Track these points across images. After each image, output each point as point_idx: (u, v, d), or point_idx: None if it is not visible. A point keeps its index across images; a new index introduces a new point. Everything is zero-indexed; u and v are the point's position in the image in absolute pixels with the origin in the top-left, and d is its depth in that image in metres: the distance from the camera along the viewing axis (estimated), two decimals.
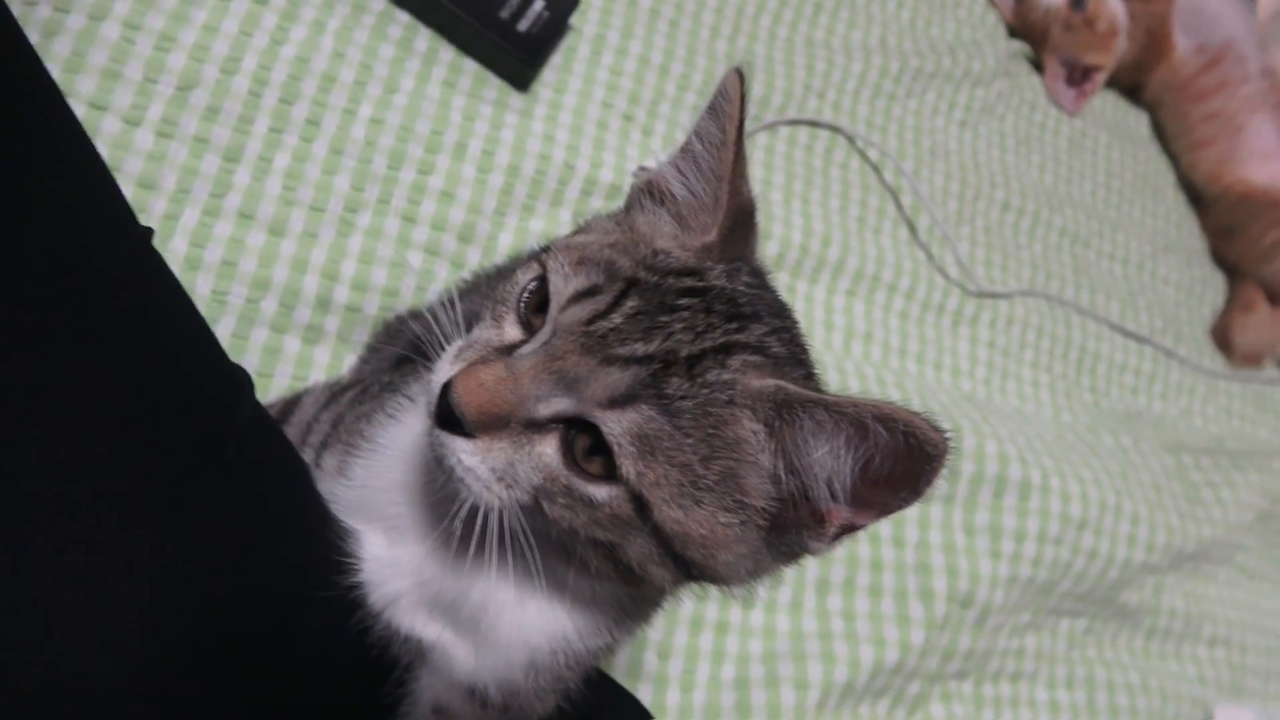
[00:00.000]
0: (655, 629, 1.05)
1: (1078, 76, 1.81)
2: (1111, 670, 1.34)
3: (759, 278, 0.60)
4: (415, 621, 0.65)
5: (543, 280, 0.56)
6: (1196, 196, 1.96)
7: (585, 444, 0.51)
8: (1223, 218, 1.89)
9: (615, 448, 0.50)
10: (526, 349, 0.53)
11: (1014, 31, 1.84)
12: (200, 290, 0.93)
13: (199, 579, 0.56)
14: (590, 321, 0.52)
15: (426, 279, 1.05)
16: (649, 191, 0.61)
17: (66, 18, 0.91)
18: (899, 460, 0.48)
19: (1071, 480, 1.31)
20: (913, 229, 1.50)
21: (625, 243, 0.57)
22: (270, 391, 0.95)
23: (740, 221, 0.59)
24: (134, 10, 0.94)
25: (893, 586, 1.17)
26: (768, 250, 1.30)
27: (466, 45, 1.15)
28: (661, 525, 0.52)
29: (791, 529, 0.54)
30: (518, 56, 1.14)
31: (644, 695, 1.01)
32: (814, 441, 0.50)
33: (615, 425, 0.50)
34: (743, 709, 1.04)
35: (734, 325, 0.54)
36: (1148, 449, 1.49)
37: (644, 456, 0.50)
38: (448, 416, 0.52)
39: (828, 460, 0.50)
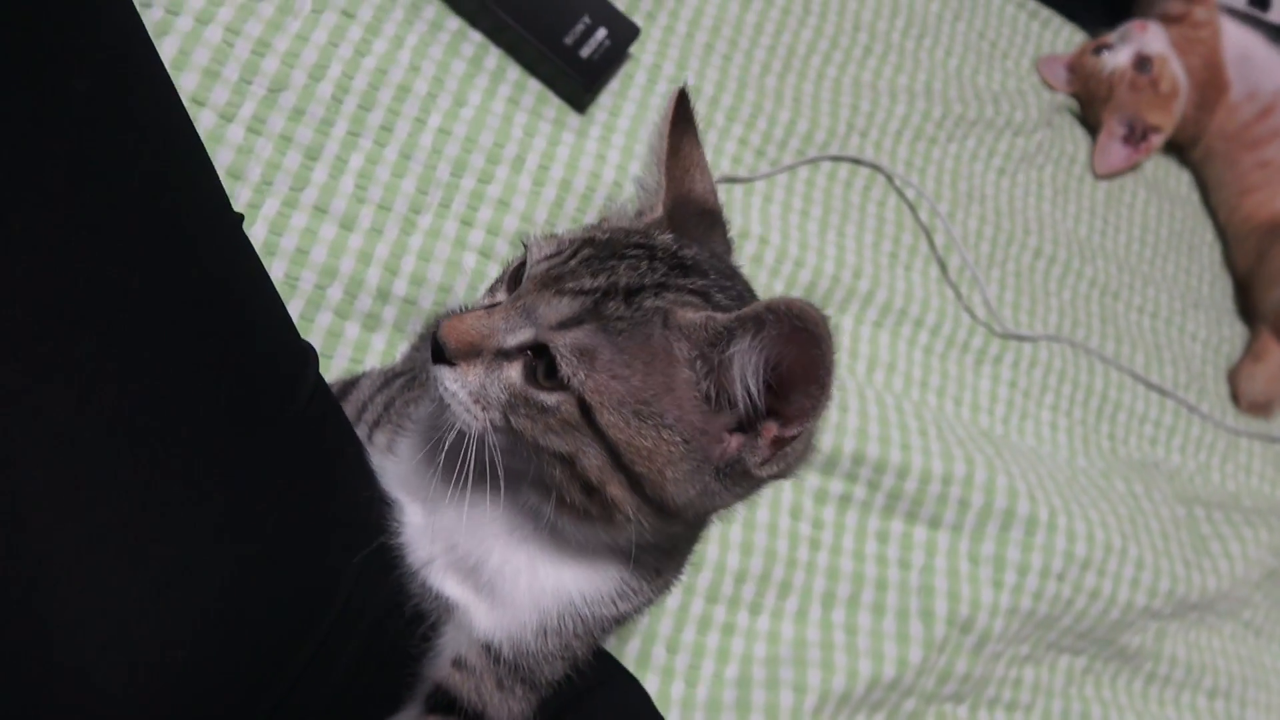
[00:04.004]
0: (664, 625, 1.12)
1: (1137, 136, 1.85)
2: (1108, 709, 1.37)
3: (716, 257, 0.68)
4: (445, 583, 0.72)
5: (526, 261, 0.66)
6: (1228, 241, 1.97)
7: (544, 367, 0.60)
8: (1249, 251, 1.91)
9: (558, 356, 0.59)
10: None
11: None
12: (275, 274, 1.02)
13: (256, 520, 0.63)
14: (550, 269, 0.62)
15: (478, 279, 1.13)
16: None
17: (176, 19, 1.01)
18: (793, 345, 0.54)
19: (1079, 520, 1.35)
20: (943, 268, 1.56)
21: (592, 229, 0.68)
22: (330, 372, 1.03)
23: (695, 215, 0.69)
24: (236, 16, 1.04)
25: (895, 605, 1.22)
26: (800, 278, 1.37)
27: (532, 66, 1.24)
28: (605, 430, 0.59)
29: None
30: (578, 80, 1.23)
31: (650, 685, 1.07)
32: (735, 355, 0.57)
33: (560, 340, 0.59)
34: (742, 707, 1.10)
35: (675, 272, 0.62)
36: (1159, 498, 1.52)
37: (584, 365, 0.59)
38: (438, 352, 0.62)
39: (743, 364, 0.57)
